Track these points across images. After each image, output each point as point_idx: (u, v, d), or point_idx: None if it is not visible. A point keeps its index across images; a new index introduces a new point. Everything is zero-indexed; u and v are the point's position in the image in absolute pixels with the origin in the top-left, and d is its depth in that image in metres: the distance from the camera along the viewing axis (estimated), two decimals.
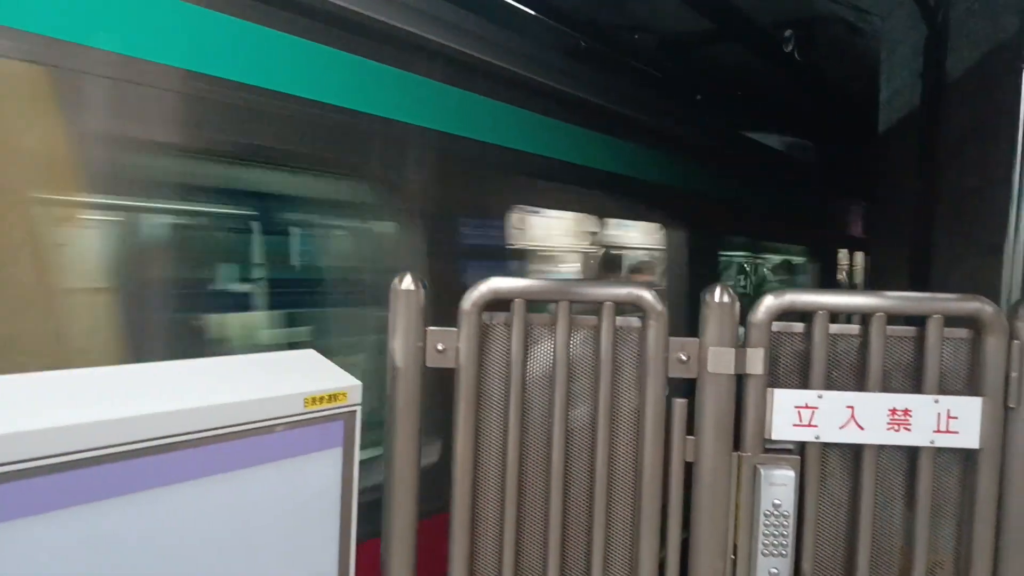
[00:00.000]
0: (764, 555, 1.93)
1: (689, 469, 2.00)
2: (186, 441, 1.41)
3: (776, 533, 1.92)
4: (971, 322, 1.97)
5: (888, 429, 1.94)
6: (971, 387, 1.98)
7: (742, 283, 7.07)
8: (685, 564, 2.02)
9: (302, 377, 1.72)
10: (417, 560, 2.01)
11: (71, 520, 1.28)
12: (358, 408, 1.76)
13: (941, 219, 3.99)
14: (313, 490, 1.70)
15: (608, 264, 5.25)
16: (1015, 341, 1.93)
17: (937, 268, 4.00)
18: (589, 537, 2.02)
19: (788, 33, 5.45)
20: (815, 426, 1.95)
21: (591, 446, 2.01)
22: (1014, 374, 1.92)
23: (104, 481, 1.32)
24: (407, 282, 1.98)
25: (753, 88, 6.50)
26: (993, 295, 2.18)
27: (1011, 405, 1.93)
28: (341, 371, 1.82)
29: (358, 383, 1.77)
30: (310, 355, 1.91)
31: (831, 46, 6.08)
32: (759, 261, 7.58)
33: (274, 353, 1.90)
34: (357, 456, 1.78)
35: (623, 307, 2.00)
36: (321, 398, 1.66)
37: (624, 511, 2.03)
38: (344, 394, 1.73)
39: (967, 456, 1.98)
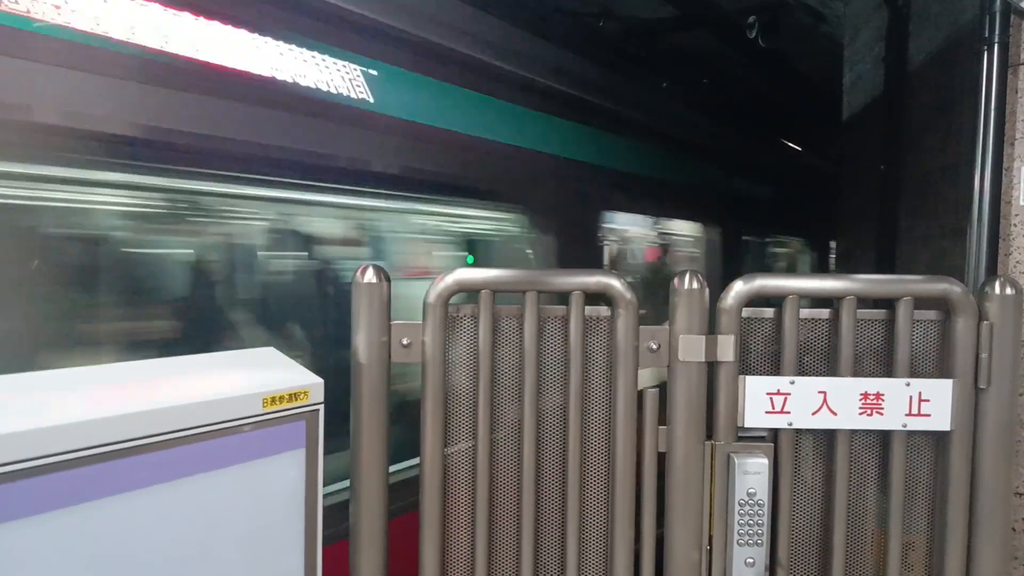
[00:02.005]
0: (740, 544, 1.91)
1: (662, 459, 1.98)
2: (134, 447, 1.34)
3: (751, 522, 1.90)
4: (940, 304, 1.96)
5: (861, 414, 1.93)
6: (941, 369, 1.97)
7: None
8: (660, 555, 1.99)
9: (260, 376, 1.66)
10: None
11: (21, 531, 1.21)
12: (320, 407, 1.70)
13: (906, 203, 4.02)
14: (277, 493, 1.64)
15: None
16: (984, 322, 1.92)
17: (903, 252, 4.02)
18: (563, 531, 1.99)
19: (752, 19, 5.44)
20: (788, 412, 1.93)
21: (562, 438, 1.98)
22: (983, 355, 1.92)
23: (56, 490, 1.25)
24: (369, 275, 1.91)
25: (719, 75, 6.49)
26: (960, 277, 2.17)
27: (981, 386, 1.93)
28: (302, 369, 1.76)
29: (319, 381, 1.71)
30: (270, 353, 1.84)
31: (795, 32, 6.11)
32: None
33: (232, 352, 1.83)
34: (321, 456, 1.72)
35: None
36: (281, 397, 1.60)
37: (597, 503, 2.00)
38: (306, 392, 1.67)
39: (939, 438, 1.98)
